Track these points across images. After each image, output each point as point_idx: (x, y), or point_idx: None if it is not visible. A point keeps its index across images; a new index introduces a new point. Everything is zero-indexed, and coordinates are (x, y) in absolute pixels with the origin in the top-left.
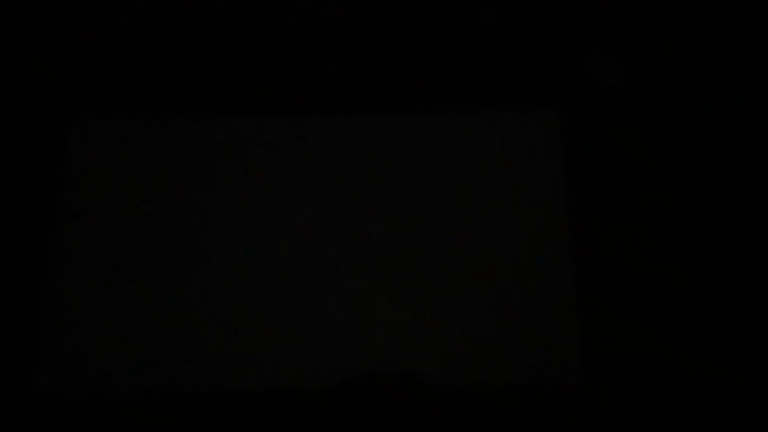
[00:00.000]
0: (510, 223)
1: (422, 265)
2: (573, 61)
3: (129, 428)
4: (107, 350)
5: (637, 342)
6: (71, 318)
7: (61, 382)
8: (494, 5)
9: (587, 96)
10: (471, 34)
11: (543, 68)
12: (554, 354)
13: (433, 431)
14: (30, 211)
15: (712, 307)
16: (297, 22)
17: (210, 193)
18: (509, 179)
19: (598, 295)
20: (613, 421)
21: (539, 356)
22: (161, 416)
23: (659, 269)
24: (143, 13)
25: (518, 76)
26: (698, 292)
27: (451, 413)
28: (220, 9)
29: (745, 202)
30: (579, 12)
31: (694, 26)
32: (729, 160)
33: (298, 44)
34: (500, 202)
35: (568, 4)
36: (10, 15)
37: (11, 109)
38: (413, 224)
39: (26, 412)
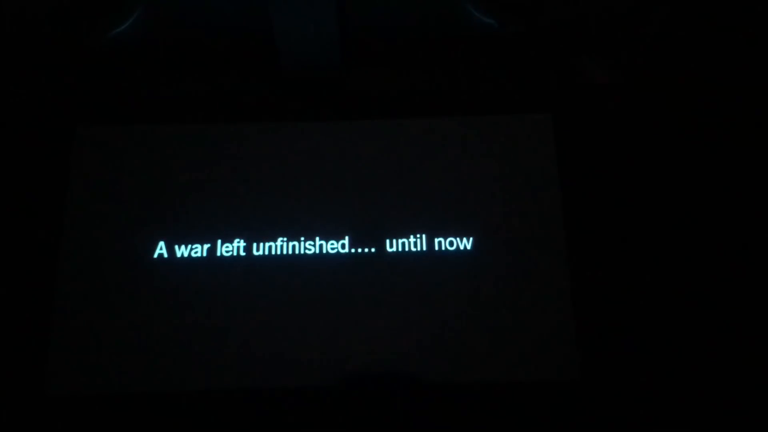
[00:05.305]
0: (507, 223)
1: (422, 264)
2: (564, 67)
3: (136, 428)
4: (113, 352)
5: (631, 337)
6: (78, 322)
7: (69, 385)
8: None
9: (579, 99)
10: (471, 48)
11: (537, 75)
12: (551, 351)
13: (434, 428)
14: (36, 214)
15: (704, 303)
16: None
17: (212, 195)
18: (507, 179)
19: (593, 292)
20: (610, 414)
21: (537, 353)
22: (166, 416)
23: (652, 266)
24: (145, 26)
25: (515, 83)
26: (690, 288)
27: (451, 410)
28: (218, 18)
29: (736, 199)
30: (569, 19)
31: (681, 27)
32: (719, 157)
33: (302, 52)
34: (498, 201)
35: (557, 14)
36: (19, 25)
37: (19, 115)
38: (413, 223)
39: (34, 414)
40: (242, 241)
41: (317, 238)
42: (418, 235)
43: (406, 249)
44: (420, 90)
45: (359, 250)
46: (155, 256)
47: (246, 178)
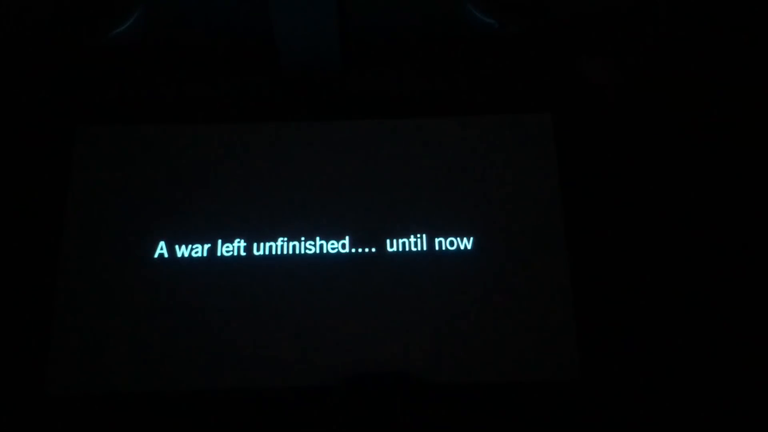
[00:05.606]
0: (507, 223)
1: (422, 264)
2: (565, 67)
3: (136, 428)
4: (113, 353)
5: (631, 337)
6: (78, 322)
7: (69, 385)
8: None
9: (579, 99)
10: (471, 48)
11: (537, 75)
12: (551, 351)
13: (435, 428)
14: (36, 214)
15: (704, 303)
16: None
17: (212, 195)
18: (507, 179)
19: (593, 292)
20: (610, 414)
21: (537, 353)
22: (166, 416)
23: (652, 265)
24: (145, 26)
25: (515, 83)
26: (690, 288)
27: (451, 410)
28: (218, 18)
29: (736, 199)
30: (569, 19)
31: (681, 27)
32: (719, 157)
33: (305, 54)
34: (498, 201)
35: (557, 14)
36: (19, 25)
37: (19, 115)
38: (413, 223)
39: (34, 414)
40: (242, 241)
41: (317, 238)
42: (419, 235)
43: (407, 249)
44: (420, 90)
45: (359, 250)
46: (156, 256)
47: (246, 178)
